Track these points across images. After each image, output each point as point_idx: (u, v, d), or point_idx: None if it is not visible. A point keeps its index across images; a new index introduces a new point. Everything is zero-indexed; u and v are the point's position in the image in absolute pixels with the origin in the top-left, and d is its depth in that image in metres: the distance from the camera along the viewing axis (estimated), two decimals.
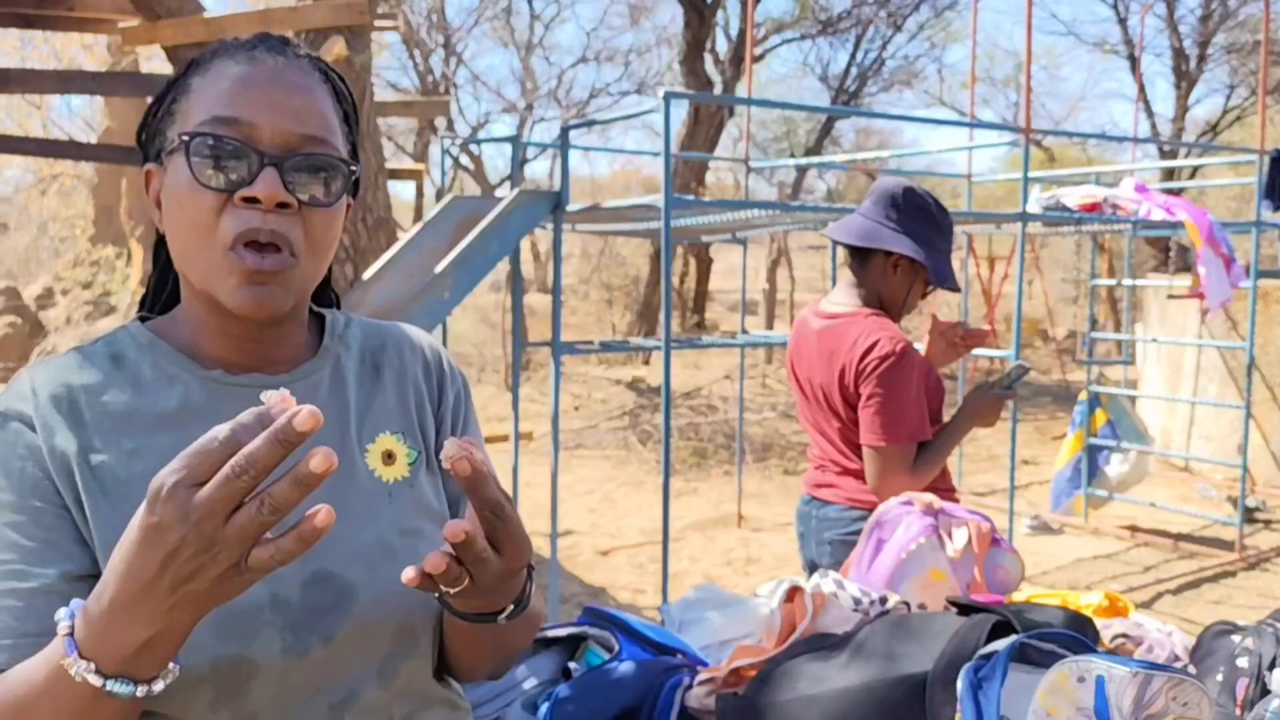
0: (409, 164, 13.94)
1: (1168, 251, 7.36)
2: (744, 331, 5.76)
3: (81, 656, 0.78)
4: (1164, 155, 12.05)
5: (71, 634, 0.78)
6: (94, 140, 12.05)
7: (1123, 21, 15.43)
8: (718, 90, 13.15)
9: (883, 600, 1.94)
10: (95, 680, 0.78)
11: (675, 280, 14.49)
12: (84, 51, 11.15)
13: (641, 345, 5.00)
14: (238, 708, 0.94)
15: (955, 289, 2.51)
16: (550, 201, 3.87)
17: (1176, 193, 7.37)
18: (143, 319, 1.10)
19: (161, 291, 1.13)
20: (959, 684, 1.53)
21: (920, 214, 2.43)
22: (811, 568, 2.62)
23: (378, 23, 4.67)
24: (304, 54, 1.03)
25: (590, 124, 3.82)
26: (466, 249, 3.64)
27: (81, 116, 13.48)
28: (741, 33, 13.68)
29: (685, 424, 8.99)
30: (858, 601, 1.92)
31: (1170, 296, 6.31)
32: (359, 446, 1.07)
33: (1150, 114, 15.45)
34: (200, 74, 1.00)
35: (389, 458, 1.07)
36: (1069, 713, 1.40)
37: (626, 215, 4.17)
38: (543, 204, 3.86)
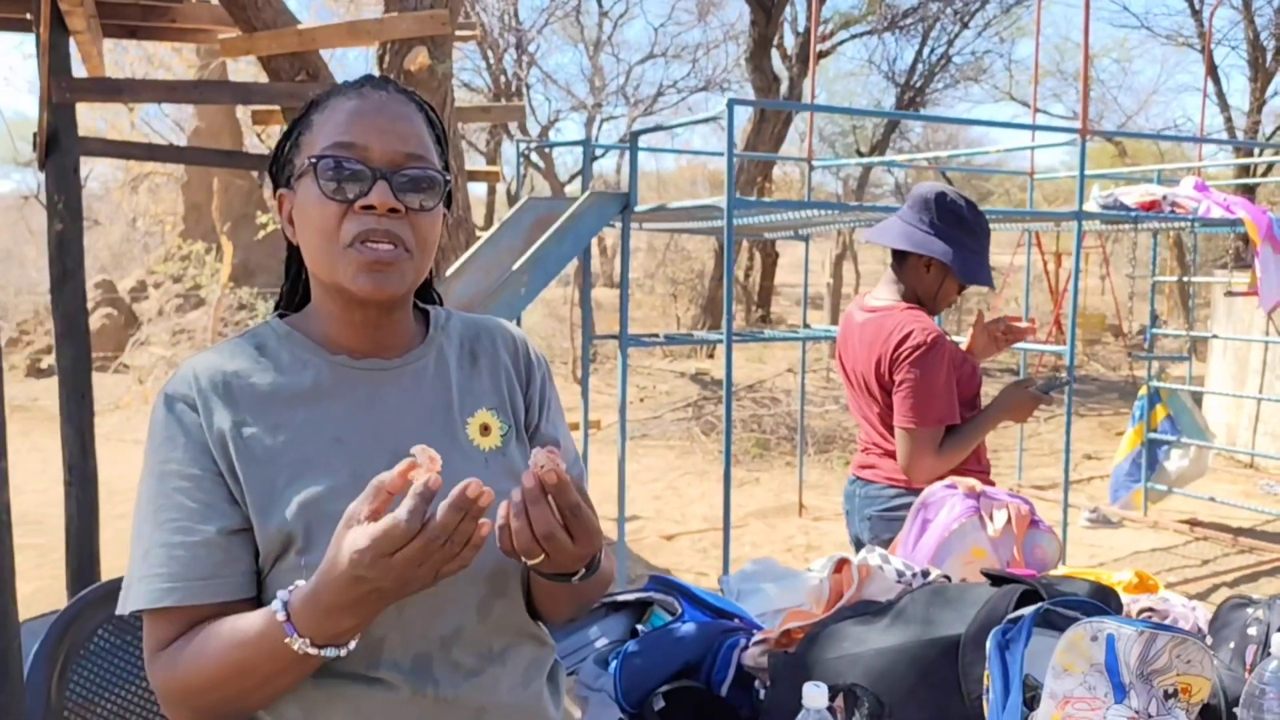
0: (481, 164, 14.28)
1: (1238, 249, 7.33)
2: (806, 326, 5.92)
3: (299, 635, 1.04)
4: (1238, 152, 11.88)
5: (288, 619, 1.05)
6: (184, 142, 12.60)
7: (1196, 13, 15.16)
8: (784, 86, 13.25)
9: (925, 575, 2.11)
10: (312, 650, 1.05)
11: (740, 274, 14.64)
12: (174, 54, 11.65)
13: (705, 338, 5.19)
14: (368, 636, 1.14)
15: (988, 285, 2.68)
16: (619, 202, 4.09)
17: (1250, 190, 7.34)
18: (280, 315, 1.34)
19: (294, 294, 1.36)
20: (987, 645, 1.69)
21: (952, 217, 2.61)
22: (857, 544, 2.81)
23: (458, 33, 4.91)
24: (401, 89, 1.26)
25: (659, 129, 4.03)
26: (541, 247, 3.88)
27: (171, 118, 14.02)
28: (807, 29, 13.74)
29: (748, 415, 9.16)
30: (900, 574, 2.10)
31: (1228, 293, 6.32)
32: (461, 420, 1.29)
33: (1225, 108, 15.17)
34: (319, 111, 1.23)
35: (485, 430, 1.31)
36: (1083, 668, 1.56)
37: (691, 215, 4.38)
38: (612, 205, 4.08)
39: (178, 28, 5.17)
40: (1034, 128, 5.32)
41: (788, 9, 13.85)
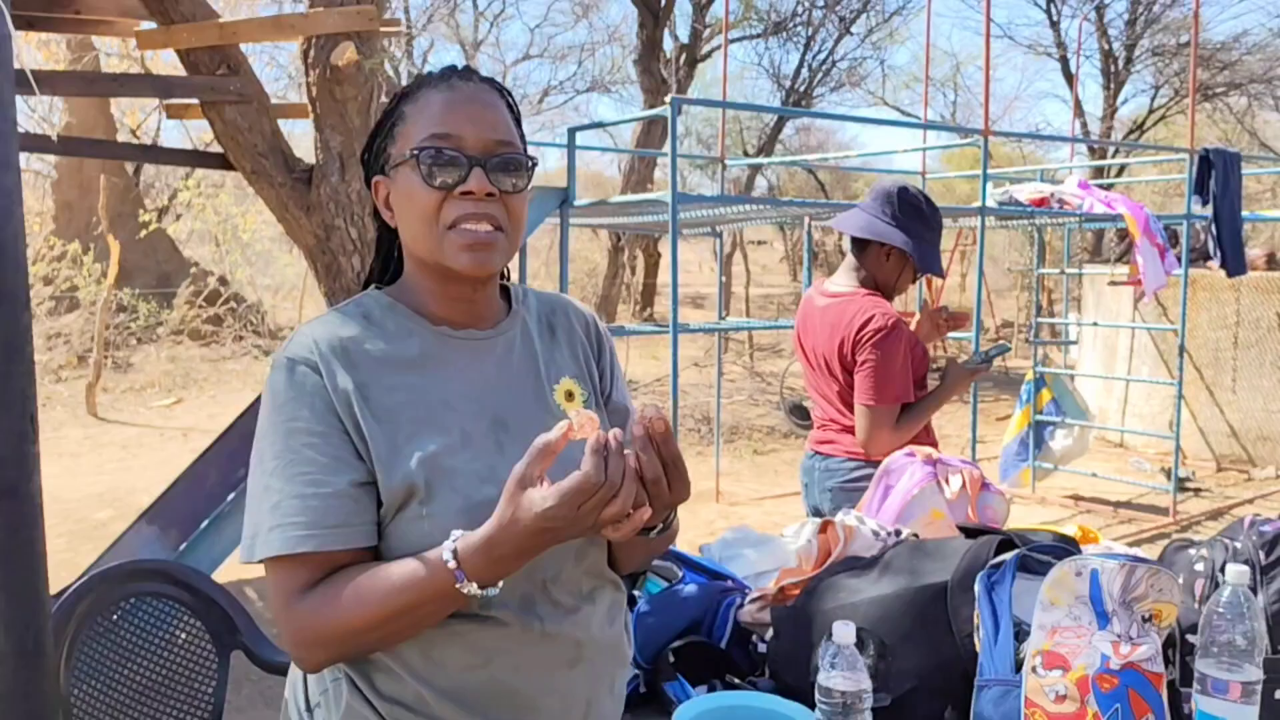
0: None
1: (1101, 242, 7.86)
2: (722, 318, 6.13)
3: (467, 579, 1.15)
4: (1094, 154, 12.71)
5: (459, 566, 1.15)
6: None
7: (1055, 25, 16.09)
8: (672, 90, 13.49)
9: (897, 533, 2.30)
10: (479, 592, 1.16)
11: (626, 274, 14.83)
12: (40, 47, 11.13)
13: (641, 330, 5.32)
14: None
15: (941, 275, 2.91)
16: (558, 197, 4.19)
17: (1108, 188, 7.92)
18: (376, 288, 1.42)
19: (385, 270, 1.45)
20: (976, 588, 1.87)
21: (912, 210, 2.82)
22: (815, 513, 3.00)
23: (383, 29, 4.91)
24: (485, 78, 1.36)
25: (598, 125, 4.12)
26: None
27: (38, 113, 13.37)
28: (694, 32, 14.03)
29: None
30: (875, 533, 2.28)
31: (1111, 283, 6.82)
32: (548, 387, 1.40)
33: (1080, 114, 16.13)
34: (410, 103, 1.33)
35: (570, 396, 1.42)
36: (1069, 600, 1.74)
37: (631, 210, 4.52)
38: (551, 200, 4.18)
39: (82, 19, 5.03)
40: (942, 128, 5.65)
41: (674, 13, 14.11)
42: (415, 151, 1.27)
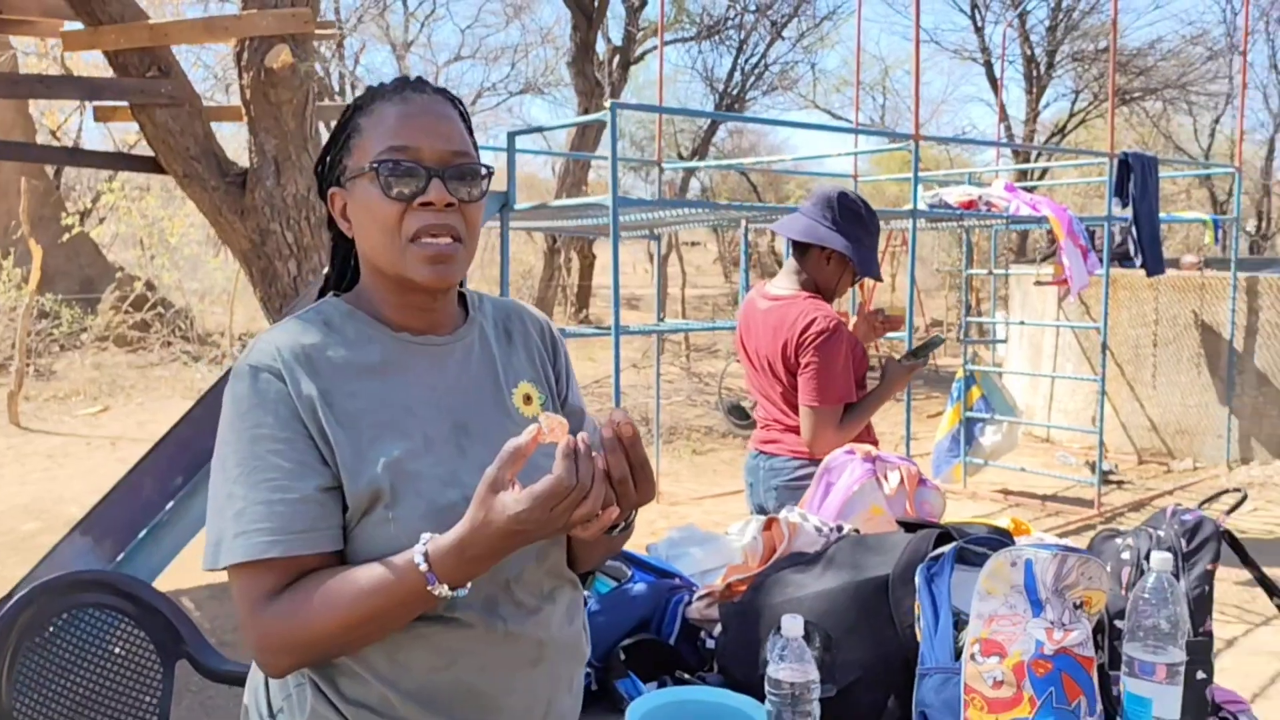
0: None
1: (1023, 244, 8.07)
2: (660, 319, 6.18)
3: (439, 581, 1.17)
4: (1018, 157, 13.05)
5: (430, 569, 1.17)
6: None
7: (979, 30, 16.48)
8: (607, 92, 13.54)
9: (839, 529, 2.36)
10: (449, 593, 1.19)
11: (561, 275, 14.83)
12: None
13: (580, 332, 5.34)
14: None
15: (879, 278, 2.99)
16: (498, 200, 4.20)
17: (1032, 190, 8.16)
18: (334, 295, 1.44)
19: (341, 279, 1.47)
20: (916, 580, 1.93)
21: (852, 215, 2.90)
22: (760, 512, 3.06)
23: (318, 31, 4.87)
24: (437, 89, 1.39)
25: (539, 129, 4.12)
26: None
27: None
28: (628, 36, 14.08)
29: (595, 410, 9.36)
30: (819, 529, 2.33)
31: (1037, 283, 7.02)
32: (507, 391, 1.43)
33: (1005, 117, 16.53)
34: (365, 115, 1.35)
35: (528, 400, 1.45)
36: (1005, 590, 1.80)
37: (571, 214, 4.54)
38: (492, 203, 4.19)
39: (3, 19, 4.90)
40: (868, 132, 5.77)
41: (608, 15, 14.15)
42: (374, 164, 1.29)
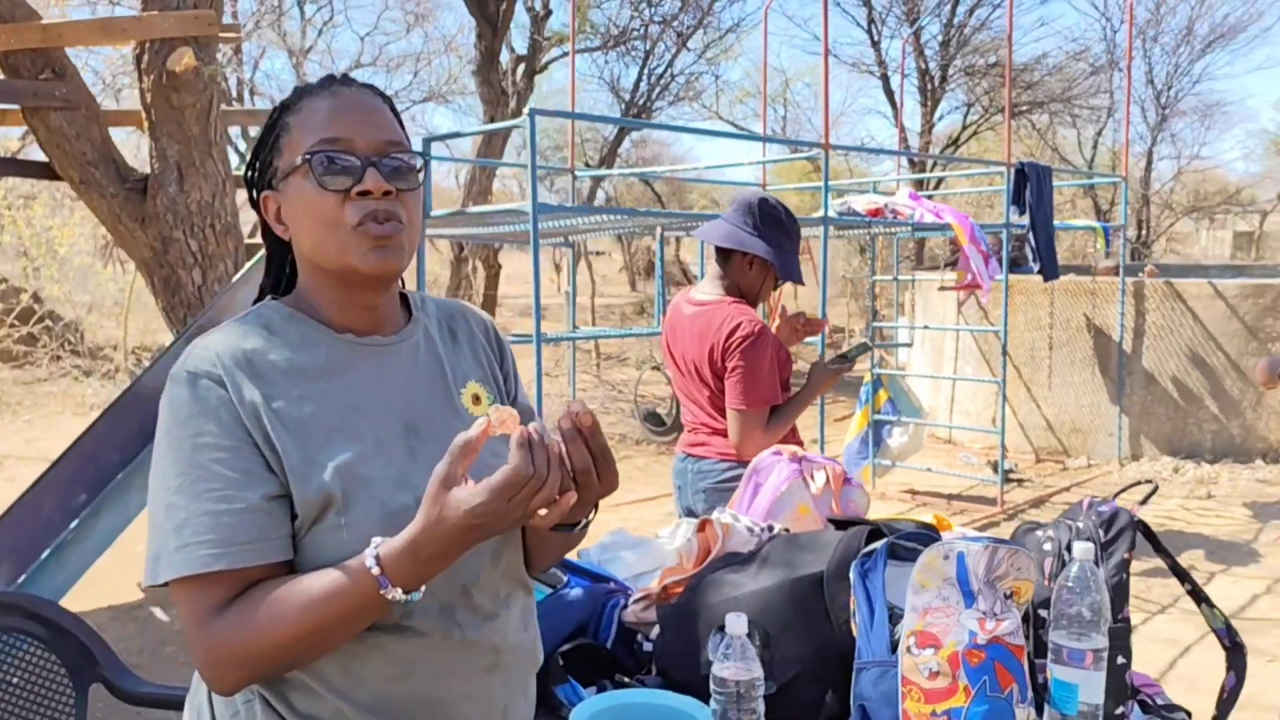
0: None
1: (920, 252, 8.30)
2: (575, 328, 6.18)
3: (392, 585, 1.14)
4: (915, 167, 13.40)
5: (382, 572, 1.14)
6: None
7: (876, 44, 16.92)
8: (513, 101, 13.48)
9: (769, 529, 2.39)
10: (402, 597, 1.16)
11: (466, 285, 14.70)
12: None
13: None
14: None
15: (800, 282, 3.05)
16: None
17: (929, 199, 8.41)
18: (272, 299, 1.40)
19: (276, 285, 1.43)
20: (851, 576, 1.97)
21: (773, 220, 2.95)
22: (689, 514, 3.08)
23: (222, 34, 4.74)
24: (364, 84, 1.37)
25: (457, 135, 4.03)
26: None
27: None
28: (534, 45, 14.05)
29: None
30: (750, 530, 2.36)
31: (941, 289, 7.23)
32: (456, 390, 1.41)
33: (902, 129, 16.99)
34: (293, 113, 1.32)
35: (476, 400, 1.44)
36: (938, 583, 1.85)
37: (489, 220, 4.50)
38: None
39: None
40: (778, 141, 5.87)
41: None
42: (307, 157, 1.26)
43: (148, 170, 4.87)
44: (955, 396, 9.29)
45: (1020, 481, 7.90)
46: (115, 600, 4.99)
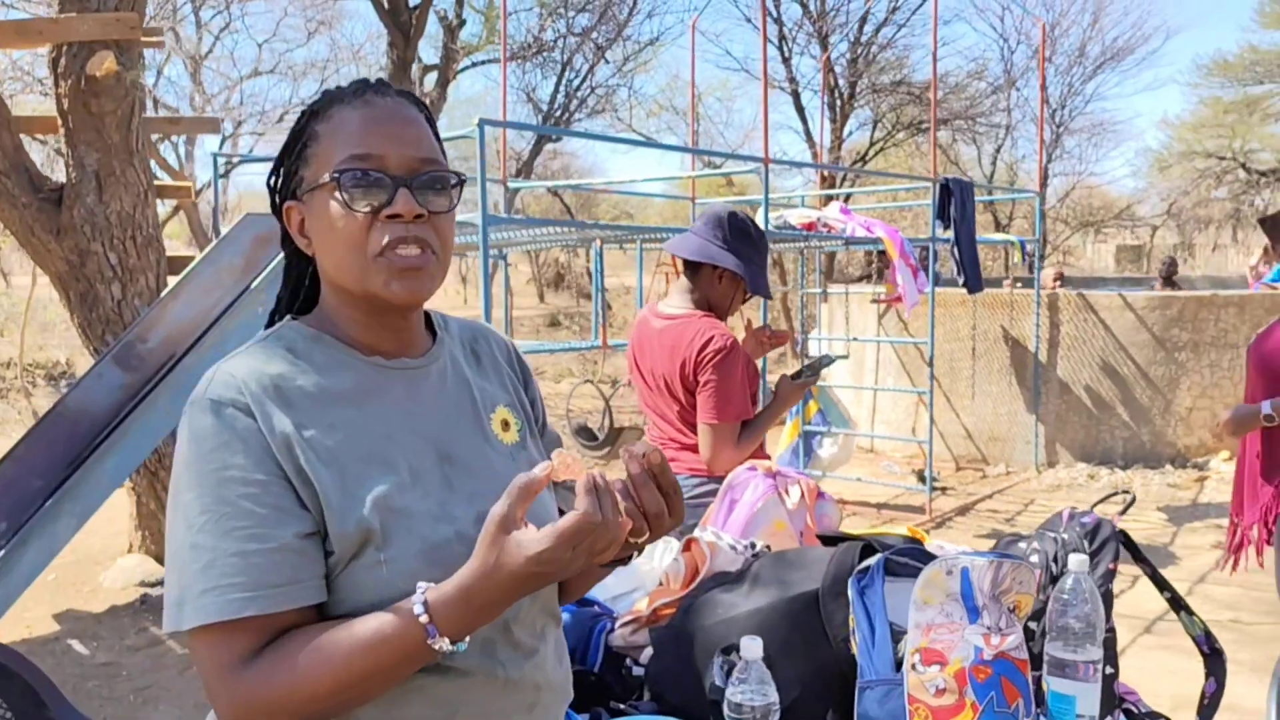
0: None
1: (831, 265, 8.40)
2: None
3: (440, 634, 1.07)
4: (823, 182, 13.63)
5: (430, 619, 1.07)
6: None
7: (786, 61, 17.18)
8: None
9: (751, 546, 2.36)
10: (449, 648, 1.09)
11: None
12: None
13: None
14: None
15: (769, 296, 3.04)
16: None
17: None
18: (292, 319, 1.31)
19: (294, 301, 1.34)
20: (849, 593, 1.95)
21: (742, 234, 2.93)
22: None
23: (144, 38, 4.54)
24: (401, 91, 1.29)
25: None
26: (280, 264, 3.69)
27: None
28: (447, 54, 13.90)
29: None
30: (733, 547, 2.33)
31: (873, 301, 7.34)
32: (485, 416, 1.34)
33: (812, 144, 17.29)
34: (322, 121, 1.23)
35: (505, 426, 1.38)
36: (940, 599, 1.84)
37: None
38: None
39: None
40: (711, 154, 5.89)
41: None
42: (335, 175, 1.18)
43: (63, 180, 4.64)
44: (877, 406, 9.44)
45: (944, 490, 8.06)
46: (30, 634, 4.72)
